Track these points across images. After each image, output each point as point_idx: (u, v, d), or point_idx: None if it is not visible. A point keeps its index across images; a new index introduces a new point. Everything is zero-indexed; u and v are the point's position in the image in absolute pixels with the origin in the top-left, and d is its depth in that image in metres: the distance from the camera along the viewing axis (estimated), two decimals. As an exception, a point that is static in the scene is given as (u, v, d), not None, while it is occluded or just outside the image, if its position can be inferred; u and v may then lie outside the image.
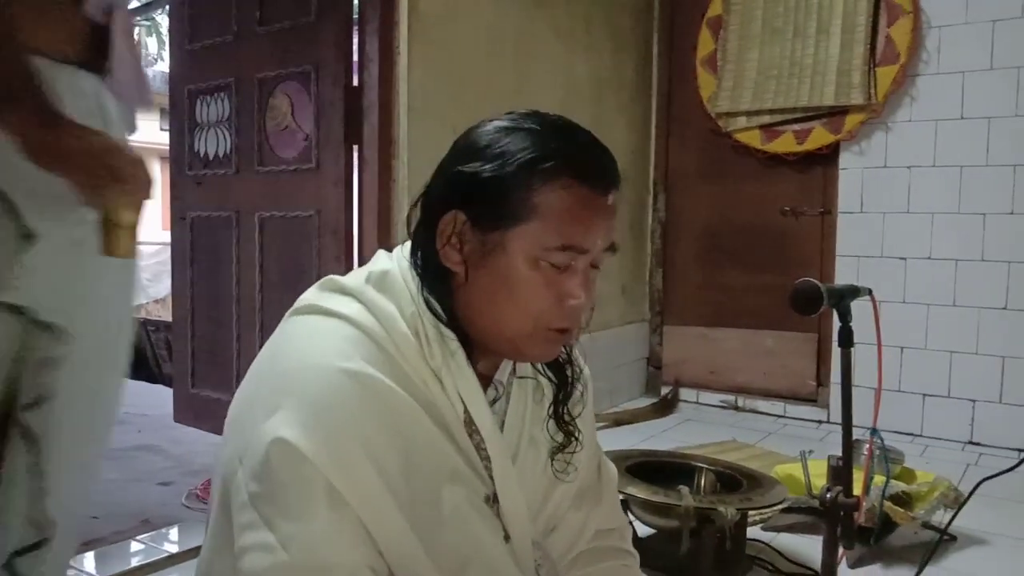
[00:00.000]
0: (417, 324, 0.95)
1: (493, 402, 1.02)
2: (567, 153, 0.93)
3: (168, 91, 3.33)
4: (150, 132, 14.54)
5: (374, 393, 0.89)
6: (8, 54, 1.01)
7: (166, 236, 3.93)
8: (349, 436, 0.86)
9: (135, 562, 2.09)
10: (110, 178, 1.05)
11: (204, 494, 2.66)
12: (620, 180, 0.98)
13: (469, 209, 0.94)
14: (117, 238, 1.12)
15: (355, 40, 2.73)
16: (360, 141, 2.71)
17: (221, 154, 3.10)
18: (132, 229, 1.15)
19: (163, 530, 2.37)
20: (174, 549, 2.19)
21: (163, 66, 15.58)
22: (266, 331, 2.90)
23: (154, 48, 18.19)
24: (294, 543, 0.84)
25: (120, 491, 2.88)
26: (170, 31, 3.42)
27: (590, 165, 0.95)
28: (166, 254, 4.47)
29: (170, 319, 4.01)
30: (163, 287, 9.84)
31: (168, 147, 3.39)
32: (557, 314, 0.96)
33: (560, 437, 1.08)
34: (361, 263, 2.73)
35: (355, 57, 2.73)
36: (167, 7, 4.97)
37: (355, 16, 2.75)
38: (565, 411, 1.08)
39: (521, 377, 1.08)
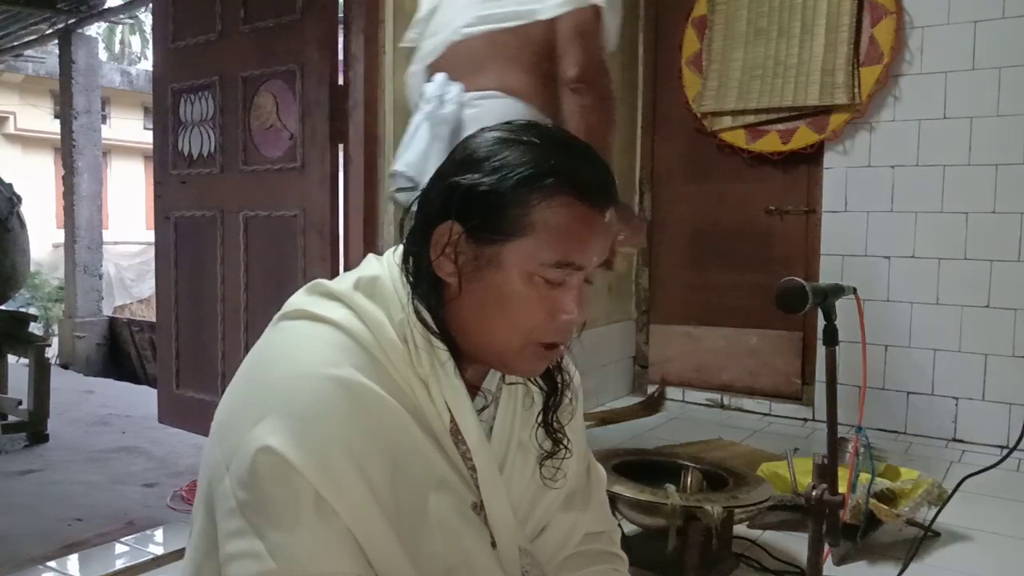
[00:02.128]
0: (406, 331, 0.95)
1: (481, 410, 1.02)
2: (566, 170, 0.92)
3: (152, 90, 3.30)
4: (134, 131, 14.45)
5: (363, 401, 0.89)
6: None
7: (150, 236, 3.92)
8: (337, 446, 0.85)
9: (120, 564, 2.08)
10: (634, 231, 2.14)
11: (189, 495, 2.64)
12: (618, 196, 0.98)
13: (465, 221, 0.92)
14: (618, 259, 2.13)
15: (340, 39, 2.72)
16: (345, 140, 2.71)
17: (205, 153, 3.08)
18: (626, 257, 2.40)
19: (148, 532, 2.35)
20: (159, 551, 2.17)
21: (146, 65, 15.49)
22: (251, 331, 2.88)
23: (138, 47, 18.09)
24: (282, 553, 0.83)
25: (104, 493, 2.86)
26: (154, 29, 3.40)
27: (589, 182, 0.94)
28: (150, 254, 4.45)
29: (154, 319, 3.99)
30: (147, 287, 9.80)
31: (152, 146, 3.37)
32: (549, 329, 0.96)
33: (548, 444, 1.07)
34: (347, 262, 2.73)
35: (340, 56, 2.72)
36: (151, 5, 4.94)
37: (340, 15, 2.74)
38: (554, 418, 1.08)
39: (510, 383, 1.07)
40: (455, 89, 2.07)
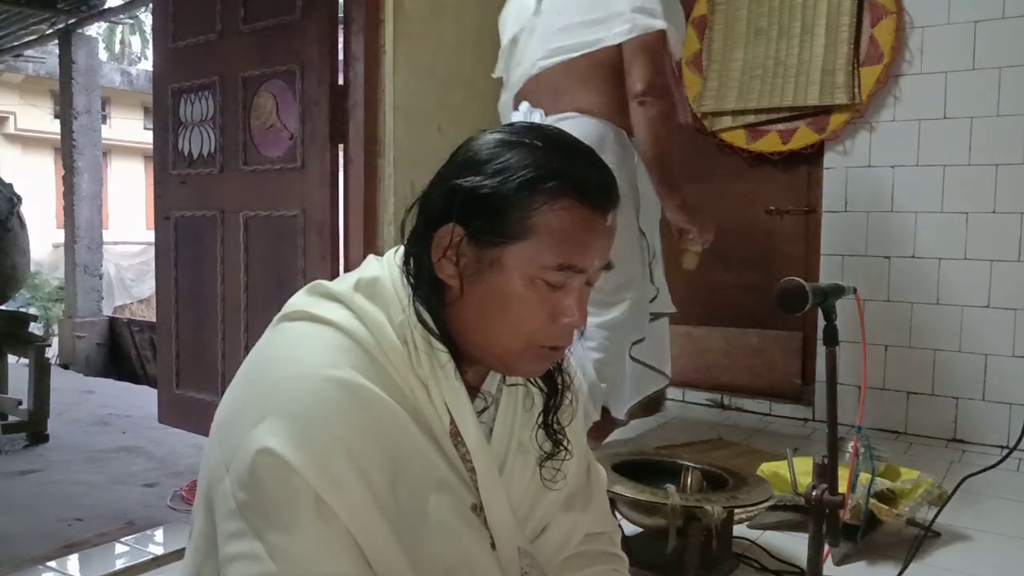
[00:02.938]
0: (406, 333, 0.94)
1: (482, 411, 1.02)
2: (568, 173, 0.92)
3: (152, 90, 3.31)
4: (134, 131, 14.45)
5: (362, 402, 0.88)
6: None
7: (150, 236, 3.92)
8: (337, 448, 0.85)
9: (120, 564, 2.08)
10: (700, 228, 2.47)
11: (189, 495, 2.65)
12: (619, 199, 0.98)
13: (467, 223, 0.92)
14: (688, 257, 2.57)
15: (340, 39, 2.72)
16: (345, 140, 2.71)
17: (205, 153, 3.08)
18: (696, 254, 2.56)
19: (148, 532, 2.35)
20: (159, 551, 2.17)
21: (146, 65, 15.49)
22: (251, 331, 2.88)
23: (138, 47, 18.09)
24: (282, 554, 0.83)
25: (104, 492, 2.86)
26: (154, 29, 3.40)
27: (591, 185, 0.94)
28: (150, 254, 4.45)
29: (154, 319, 3.99)
30: (147, 287, 9.80)
31: (152, 146, 3.37)
32: (550, 332, 0.96)
33: (549, 445, 1.07)
34: (347, 263, 2.73)
35: (340, 56, 2.72)
36: (151, 5, 4.94)
37: (340, 15, 2.74)
38: (555, 420, 1.08)
39: (511, 385, 1.07)
40: (538, 115, 2.37)
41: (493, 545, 0.98)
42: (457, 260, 0.94)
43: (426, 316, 0.95)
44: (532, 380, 1.07)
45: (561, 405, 1.08)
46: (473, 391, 1.01)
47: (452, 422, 0.96)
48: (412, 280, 0.97)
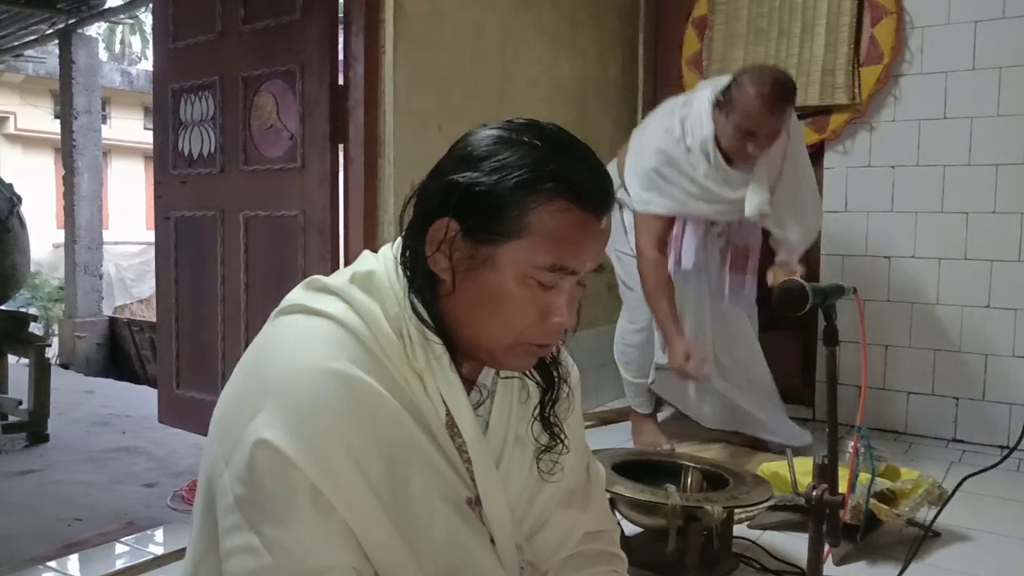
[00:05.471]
0: (401, 325, 0.95)
1: (477, 405, 1.02)
2: (565, 175, 0.92)
3: (152, 90, 3.30)
4: (134, 131, 14.44)
5: (359, 395, 0.89)
6: None
7: (150, 236, 3.92)
8: (334, 440, 0.86)
9: (120, 564, 2.08)
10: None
11: (189, 495, 2.65)
12: (615, 201, 0.98)
13: (462, 219, 0.92)
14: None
15: (340, 39, 2.72)
16: (345, 140, 2.70)
17: (206, 153, 3.08)
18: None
19: (148, 532, 2.35)
20: (159, 551, 2.18)
21: (146, 65, 15.48)
22: (251, 331, 2.88)
23: (138, 47, 18.08)
24: (279, 547, 0.84)
25: (104, 492, 2.86)
26: (154, 29, 3.40)
27: (587, 188, 0.93)
28: (150, 254, 4.44)
29: (154, 319, 3.99)
30: (147, 287, 9.80)
31: (152, 146, 3.37)
32: (539, 330, 0.96)
33: (545, 438, 1.07)
34: (347, 262, 2.72)
35: (340, 56, 2.72)
36: (151, 5, 4.94)
37: (340, 15, 2.74)
38: (551, 412, 1.08)
39: (505, 377, 1.07)
40: None
41: (492, 540, 0.99)
42: (450, 255, 0.93)
43: (421, 309, 0.95)
44: (528, 373, 1.07)
45: (558, 399, 1.08)
46: (469, 384, 1.01)
47: (448, 414, 0.96)
48: (408, 272, 0.97)
